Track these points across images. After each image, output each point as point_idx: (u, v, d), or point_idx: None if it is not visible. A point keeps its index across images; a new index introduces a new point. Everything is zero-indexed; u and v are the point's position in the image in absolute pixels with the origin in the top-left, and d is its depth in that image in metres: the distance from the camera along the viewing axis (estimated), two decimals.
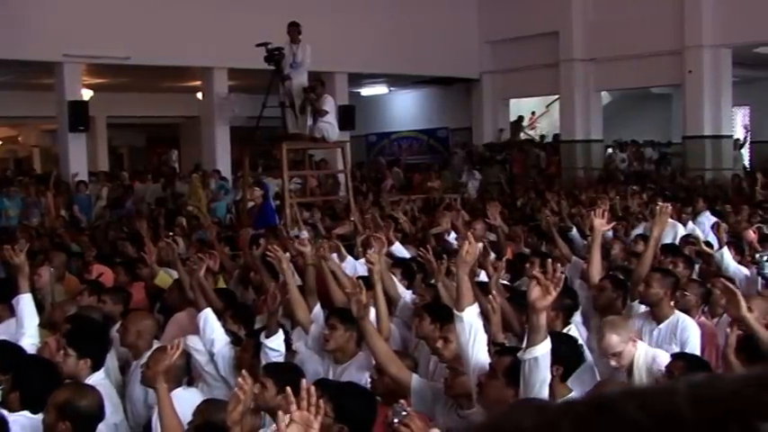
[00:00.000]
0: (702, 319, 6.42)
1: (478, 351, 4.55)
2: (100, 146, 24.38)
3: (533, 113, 26.28)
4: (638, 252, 7.70)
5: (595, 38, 21.42)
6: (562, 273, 4.08)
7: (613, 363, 5.01)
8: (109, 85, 21.40)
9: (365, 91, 26.03)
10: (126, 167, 26.10)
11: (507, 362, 4.29)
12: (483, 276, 6.71)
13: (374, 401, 4.33)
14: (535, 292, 3.90)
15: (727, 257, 7.58)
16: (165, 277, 8.01)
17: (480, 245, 5.04)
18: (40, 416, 4.40)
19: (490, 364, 4.44)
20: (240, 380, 3.87)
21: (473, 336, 4.53)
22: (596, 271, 6.35)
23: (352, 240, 9.65)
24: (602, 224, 6.30)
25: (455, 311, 4.63)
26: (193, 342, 5.62)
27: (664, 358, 5.08)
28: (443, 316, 5.55)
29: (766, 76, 24.78)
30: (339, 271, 7.08)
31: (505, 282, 7.06)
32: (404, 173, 23.00)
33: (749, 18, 18.56)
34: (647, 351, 5.09)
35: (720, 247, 7.72)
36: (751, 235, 8.96)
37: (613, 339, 4.99)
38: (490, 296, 5.35)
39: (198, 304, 6.16)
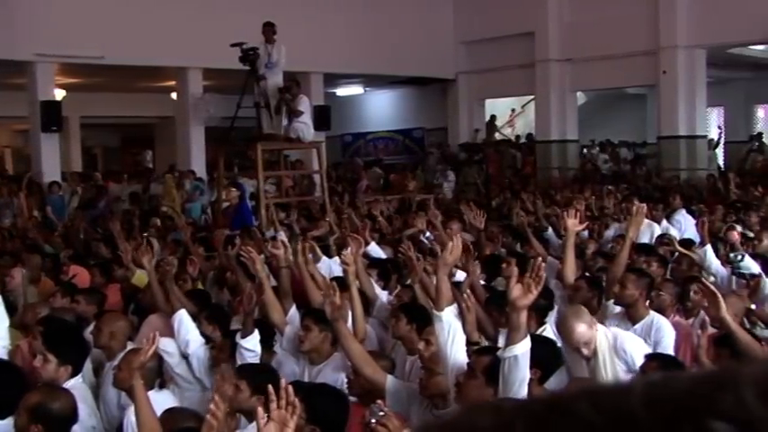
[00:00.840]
0: (677, 318, 6.44)
1: (457, 351, 4.55)
2: (73, 146, 24.21)
3: (513, 111, 26.31)
4: (613, 252, 7.73)
5: (571, 38, 21.50)
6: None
7: (584, 351, 4.98)
8: (82, 84, 21.25)
9: (340, 91, 26.00)
10: (100, 168, 25.95)
11: (486, 361, 4.29)
12: (458, 276, 6.69)
13: (346, 402, 4.31)
14: (516, 291, 3.91)
15: (710, 255, 7.61)
16: (142, 277, 7.95)
17: (460, 245, 5.01)
18: (8, 421, 4.34)
19: (468, 363, 4.44)
20: (215, 404, 3.79)
21: (452, 335, 4.54)
22: (570, 271, 6.36)
23: (326, 241, 9.63)
24: (575, 224, 6.31)
25: (434, 311, 4.63)
26: (164, 344, 5.58)
27: (623, 336, 5.09)
28: (420, 317, 5.55)
29: (740, 77, 25.00)
30: (315, 272, 7.06)
31: (481, 282, 7.06)
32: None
33: (723, 19, 18.68)
34: (605, 331, 5.08)
35: (704, 244, 7.75)
36: (735, 236, 9.02)
37: (582, 328, 4.96)
38: (464, 296, 5.34)
39: (172, 306, 6.12)
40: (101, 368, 6.03)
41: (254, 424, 4.60)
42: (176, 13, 17.83)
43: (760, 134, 25.05)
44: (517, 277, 3.97)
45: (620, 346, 4.98)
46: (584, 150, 24.45)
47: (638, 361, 4.84)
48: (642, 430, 0.68)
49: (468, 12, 22.91)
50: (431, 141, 25.59)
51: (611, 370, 4.92)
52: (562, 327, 5.20)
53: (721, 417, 0.67)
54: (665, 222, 10.91)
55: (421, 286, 6.36)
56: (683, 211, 11.91)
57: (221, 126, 16.54)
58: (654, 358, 4.78)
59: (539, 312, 5.72)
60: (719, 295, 4.74)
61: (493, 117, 25.00)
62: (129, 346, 5.74)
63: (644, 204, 7.46)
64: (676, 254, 8.28)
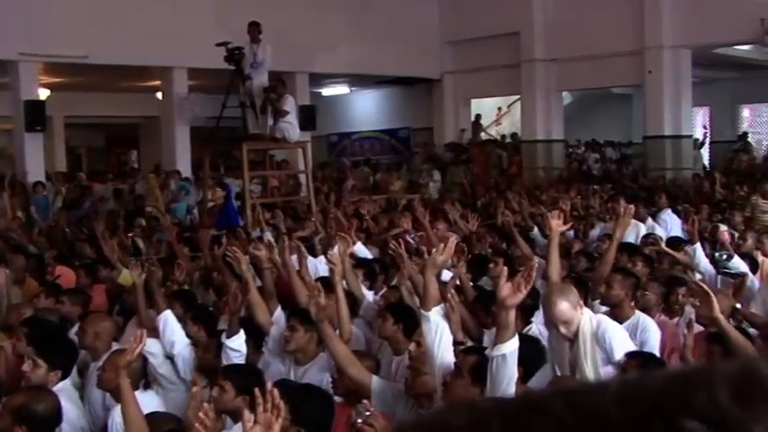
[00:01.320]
0: (662, 317, 6.46)
1: (444, 351, 4.54)
2: (57, 146, 24.08)
3: (499, 109, 26.32)
4: (598, 252, 7.75)
5: (556, 38, 21.51)
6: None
7: (563, 330, 4.96)
8: (67, 84, 21.15)
9: (326, 91, 25.97)
10: (84, 168, 25.82)
11: (473, 361, 4.29)
12: (444, 276, 6.68)
13: (331, 402, 4.30)
14: (506, 290, 3.90)
15: (700, 253, 7.63)
16: (128, 276, 7.93)
17: (453, 246, 5.01)
18: None
19: (455, 363, 4.43)
20: (203, 412, 3.75)
21: (439, 335, 4.53)
22: (555, 271, 6.35)
23: (312, 241, 9.61)
24: (558, 225, 6.31)
25: (422, 311, 4.63)
26: (149, 345, 5.55)
27: (606, 324, 5.08)
28: (407, 317, 5.54)
29: (725, 77, 25.09)
30: (304, 272, 7.05)
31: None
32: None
33: (708, 19, 18.73)
34: (591, 317, 5.06)
35: (693, 243, 7.77)
36: (725, 236, 9.06)
37: (564, 306, 4.93)
38: (449, 295, 5.34)
39: (158, 306, 6.10)
40: (85, 369, 6.01)
41: (239, 425, 4.59)
42: (161, 13, 17.76)
43: (745, 134, 25.18)
44: (507, 276, 3.97)
45: (602, 335, 4.98)
46: (570, 150, 24.49)
47: (617, 352, 4.84)
48: (615, 429, 0.68)
49: (453, 12, 22.91)
50: (417, 141, 25.60)
51: (591, 358, 4.90)
52: (545, 301, 5.17)
53: (694, 416, 0.67)
54: (650, 221, 10.94)
55: (411, 284, 6.36)
56: (669, 211, 11.94)
57: (207, 126, 16.49)
58: (634, 356, 4.77)
59: (525, 312, 5.73)
60: (712, 295, 4.74)
61: (478, 116, 25.01)
62: (115, 346, 5.72)
63: (632, 206, 7.46)
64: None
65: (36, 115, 17.19)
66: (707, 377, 0.69)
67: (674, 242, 8.67)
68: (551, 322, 5.05)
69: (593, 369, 4.87)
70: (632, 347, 5.10)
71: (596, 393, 0.71)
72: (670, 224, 11.22)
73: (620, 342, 5.04)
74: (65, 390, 4.80)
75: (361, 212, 11.69)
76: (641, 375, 0.72)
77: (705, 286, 4.98)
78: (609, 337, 5.02)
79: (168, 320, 5.90)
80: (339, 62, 21.02)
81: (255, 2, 17.10)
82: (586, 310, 5.12)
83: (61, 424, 4.41)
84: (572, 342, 4.98)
